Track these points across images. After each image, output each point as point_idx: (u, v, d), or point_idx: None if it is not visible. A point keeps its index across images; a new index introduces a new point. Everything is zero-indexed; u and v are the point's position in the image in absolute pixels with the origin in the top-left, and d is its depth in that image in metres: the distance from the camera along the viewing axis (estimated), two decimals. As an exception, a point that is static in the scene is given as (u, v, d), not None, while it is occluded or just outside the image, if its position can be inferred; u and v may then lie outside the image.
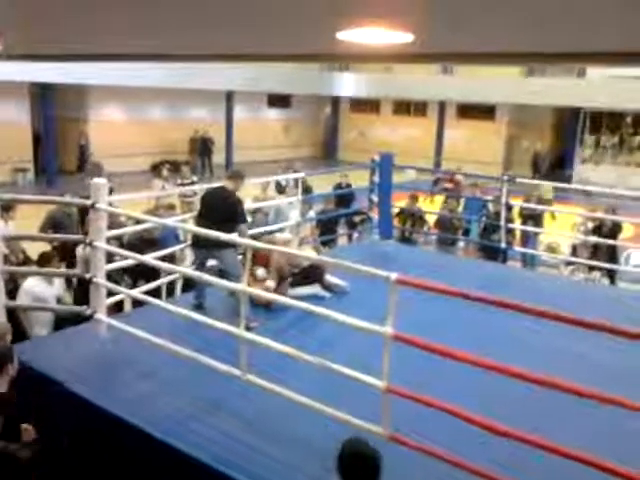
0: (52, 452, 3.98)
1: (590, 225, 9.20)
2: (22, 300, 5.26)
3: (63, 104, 18.90)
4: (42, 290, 5.33)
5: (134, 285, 6.10)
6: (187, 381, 4.14)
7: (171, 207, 7.68)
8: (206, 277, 4.67)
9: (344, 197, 10.29)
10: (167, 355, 4.16)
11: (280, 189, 10.70)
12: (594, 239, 8.59)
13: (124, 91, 19.12)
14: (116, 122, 20.47)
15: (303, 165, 12.52)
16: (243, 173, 5.63)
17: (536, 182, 10.83)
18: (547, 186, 11.09)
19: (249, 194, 9.40)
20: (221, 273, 5.33)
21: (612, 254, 8.29)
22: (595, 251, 8.37)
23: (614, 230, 8.47)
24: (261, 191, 9.67)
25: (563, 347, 4.54)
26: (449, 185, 12.16)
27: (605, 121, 22.83)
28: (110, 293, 5.02)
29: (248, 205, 7.68)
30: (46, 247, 6.64)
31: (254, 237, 5.62)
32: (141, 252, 5.44)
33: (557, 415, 3.59)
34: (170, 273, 5.91)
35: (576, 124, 22.85)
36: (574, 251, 8.69)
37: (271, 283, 5.49)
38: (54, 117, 18.30)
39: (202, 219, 5.31)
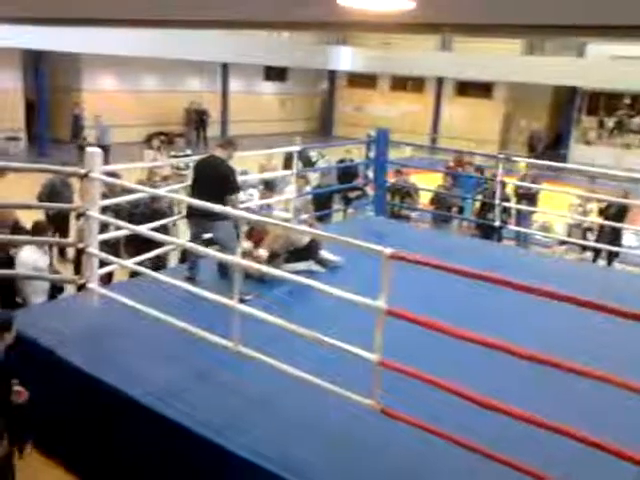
0: (43, 419, 4.00)
1: (589, 207, 9.21)
2: (20, 270, 5.24)
3: (57, 73, 18.64)
4: (39, 259, 5.33)
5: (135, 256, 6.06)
6: (179, 351, 4.15)
7: (165, 178, 7.65)
8: (199, 249, 4.64)
9: (347, 173, 10.24)
10: (158, 326, 4.16)
11: (308, 163, 10.70)
12: (590, 220, 8.64)
13: (119, 61, 18.86)
14: (110, 92, 20.22)
15: (302, 140, 12.43)
16: (235, 141, 5.52)
17: (531, 161, 10.82)
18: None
19: (255, 163, 9.42)
20: (213, 244, 5.29)
21: (614, 236, 8.29)
22: (600, 233, 8.40)
23: (621, 212, 8.44)
24: (266, 160, 9.68)
25: (552, 323, 4.58)
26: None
27: (603, 102, 22.73)
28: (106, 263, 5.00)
29: (254, 176, 7.66)
30: (39, 215, 6.63)
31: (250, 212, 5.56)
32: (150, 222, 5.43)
33: (549, 391, 3.62)
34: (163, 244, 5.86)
35: (573, 104, 22.74)
36: (569, 231, 8.75)
37: (263, 252, 5.47)
38: (47, 86, 18.04)
39: (194, 190, 5.23)
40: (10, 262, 5.22)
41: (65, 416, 4.09)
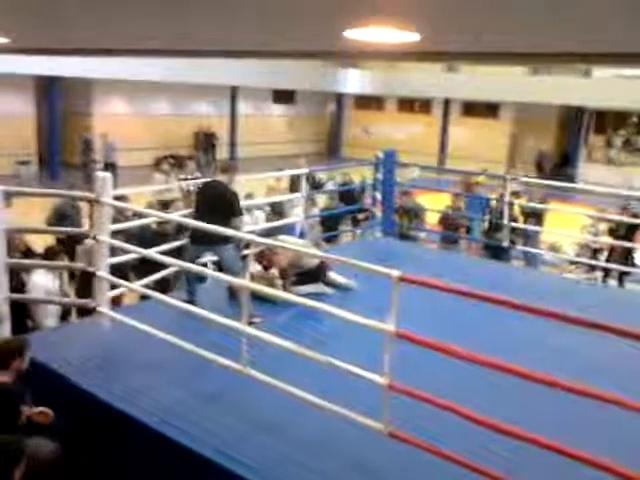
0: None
1: (601, 227, 9.18)
2: (33, 294, 5.31)
3: (68, 97, 18.93)
4: (51, 284, 5.41)
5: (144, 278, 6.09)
6: (187, 374, 4.16)
7: (174, 201, 7.73)
8: (208, 272, 4.67)
9: (348, 195, 10.31)
10: (168, 348, 4.18)
11: (316, 185, 10.87)
12: (600, 240, 8.61)
13: (128, 85, 19.14)
14: (120, 116, 20.49)
15: (307, 161, 12.55)
16: (235, 165, 5.66)
17: (540, 182, 10.82)
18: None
19: (263, 185, 9.57)
20: (220, 268, 5.33)
21: (626, 256, 8.26)
22: (610, 252, 8.37)
23: (631, 232, 8.41)
24: (275, 181, 9.81)
25: (562, 345, 4.56)
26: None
27: (610, 121, 22.76)
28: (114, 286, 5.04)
29: (262, 200, 7.77)
30: (50, 239, 6.69)
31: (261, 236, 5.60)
32: (154, 246, 5.47)
33: (559, 414, 3.60)
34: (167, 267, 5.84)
35: (581, 123, 22.79)
36: (579, 252, 8.73)
37: (274, 272, 5.51)
38: (58, 110, 18.32)
39: (199, 215, 5.20)
40: (22, 287, 5.28)
41: (75, 439, 4.10)
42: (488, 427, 2.90)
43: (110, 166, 17.24)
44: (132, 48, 3.15)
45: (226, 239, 4.85)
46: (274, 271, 5.57)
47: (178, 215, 6.24)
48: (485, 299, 2.99)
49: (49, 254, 5.59)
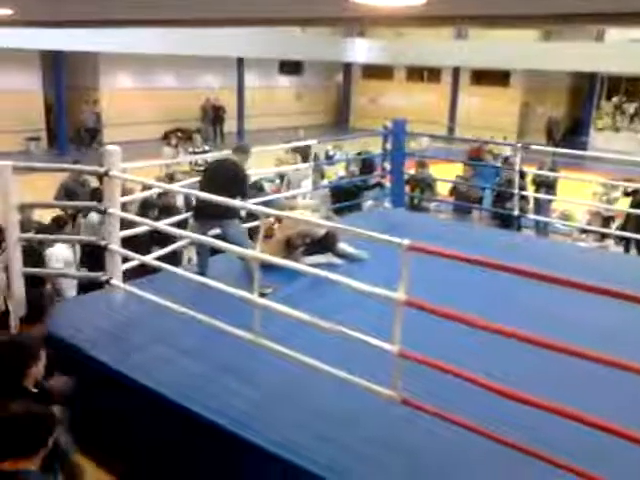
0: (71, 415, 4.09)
1: (614, 195, 9.10)
2: (54, 265, 5.48)
3: (74, 73, 18.84)
4: (69, 255, 5.53)
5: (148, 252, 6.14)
6: (201, 345, 4.22)
7: (186, 172, 7.79)
8: (221, 244, 4.65)
9: (365, 166, 10.26)
10: (180, 320, 4.23)
11: (328, 157, 10.94)
12: (612, 208, 8.54)
13: (135, 59, 19.01)
14: (127, 90, 20.40)
15: (318, 133, 12.52)
16: (248, 148, 5.53)
17: (550, 149, 10.71)
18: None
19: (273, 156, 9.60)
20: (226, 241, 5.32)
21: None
22: (626, 220, 8.32)
23: None
24: (284, 153, 9.85)
25: (572, 313, 4.56)
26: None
27: (623, 86, 22.35)
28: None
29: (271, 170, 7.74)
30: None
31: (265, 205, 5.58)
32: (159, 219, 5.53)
33: (567, 380, 3.62)
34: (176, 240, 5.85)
35: (593, 90, 22.40)
36: (590, 220, 8.67)
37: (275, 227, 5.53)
38: (66, 86, 18.26)
39: (204, 190, 5.07)
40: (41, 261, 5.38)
41: (91, 411, 4.18)
42: (501, 394, 2.92)
43: (92, 131, 18.11)
44: (131, 19, 3.12)
45: (231, 214, 4.85)
46: (275, 227, 5.54)
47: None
48: (495, 267, 2.98)
49: (58, 224, 5.66)
